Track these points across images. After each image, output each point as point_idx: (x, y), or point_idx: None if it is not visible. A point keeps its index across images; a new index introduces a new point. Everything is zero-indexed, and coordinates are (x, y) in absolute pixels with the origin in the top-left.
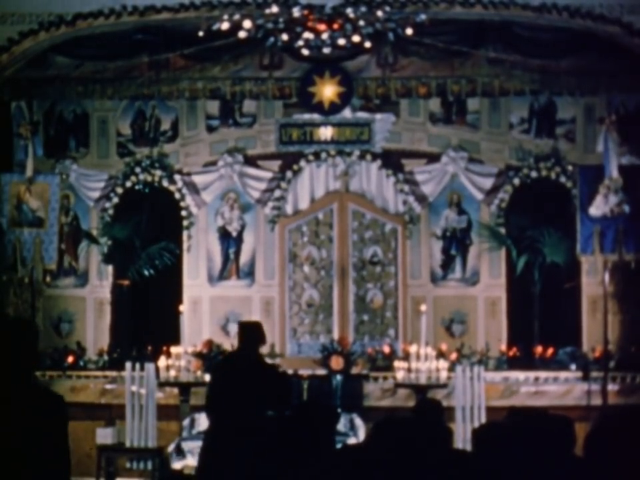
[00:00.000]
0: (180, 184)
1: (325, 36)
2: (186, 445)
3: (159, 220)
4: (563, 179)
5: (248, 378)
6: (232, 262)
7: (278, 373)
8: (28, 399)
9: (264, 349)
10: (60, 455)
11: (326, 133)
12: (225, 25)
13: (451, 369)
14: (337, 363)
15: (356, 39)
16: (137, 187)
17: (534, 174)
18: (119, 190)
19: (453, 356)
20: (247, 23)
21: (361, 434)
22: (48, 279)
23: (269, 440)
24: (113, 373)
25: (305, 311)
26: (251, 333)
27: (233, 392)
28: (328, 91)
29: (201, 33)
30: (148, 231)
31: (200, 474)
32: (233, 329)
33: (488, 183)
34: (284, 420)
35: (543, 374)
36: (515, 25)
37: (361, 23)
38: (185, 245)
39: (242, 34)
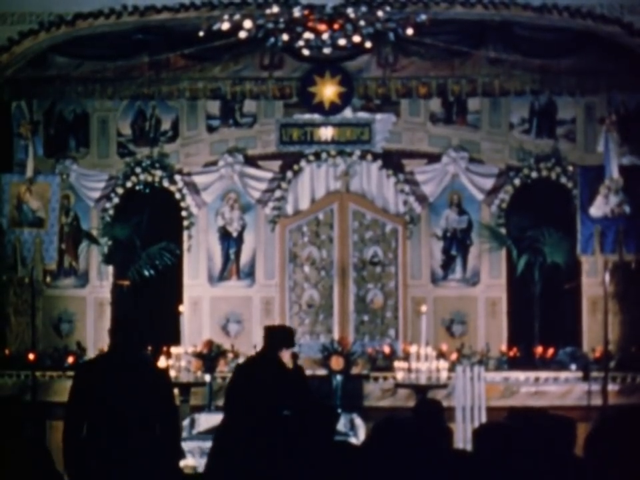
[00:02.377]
0: (180, 184)
1: (325, 36)
2: (186, 445)
3: (159, 220)
4: (563, 179)
5: (267, 380)
6: (232, 262)
7: (298, 375)
8: (142, 369)
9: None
10: (170, 409)
11: (326, 133)
12: (226, 25)
13: (451, 369)
14: (337, 363)
15: (356, 39)
16: (137, 187)
17: (534, 174)
18: (119, 190)
19: (453, 356)
20: (248, 23)
21: (361, 434)
22: (48, 279)
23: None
24: None
25: (305, 311)
26: (274, 336)
27: (250, 394)
28: (328, 91)
29: (201, 33)
30: (148, 231)
31: (209, 473)
32: (233, 329)
33: (488, 183)
34: (284, 420)
35: (543, 374)
36: (515, 24)
37: (362, 23)
38: (185, 245)
39: (242, 34)
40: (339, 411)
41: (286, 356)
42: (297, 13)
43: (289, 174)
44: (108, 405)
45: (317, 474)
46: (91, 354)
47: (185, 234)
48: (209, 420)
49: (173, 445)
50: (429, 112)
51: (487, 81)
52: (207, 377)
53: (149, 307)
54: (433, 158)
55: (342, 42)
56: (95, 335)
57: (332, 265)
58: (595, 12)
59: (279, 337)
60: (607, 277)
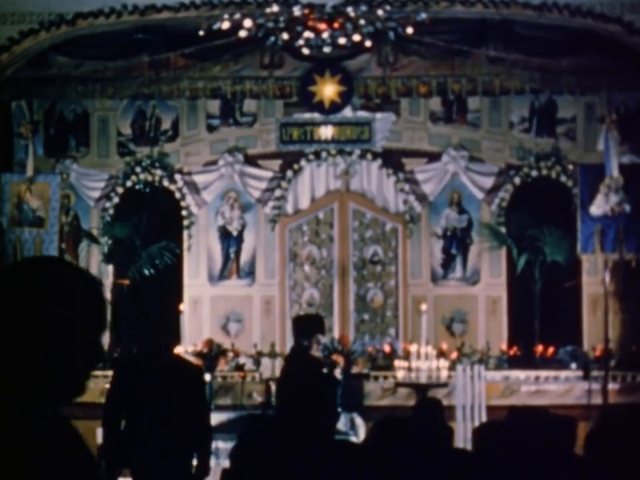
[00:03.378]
0: (180, 183)
1: (325, 35)
2: None
3: (160, 219)
4: (563, 178)
5: (294, 374)
6: (232, 261)
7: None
8: (179, 367)
9: (265, 348)
10: (204, 406)
11: (326, 132)
12: (226, 24)
13: (452, 368)
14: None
15: (356, 38)
16: (137, 187)
17: (534, 173)
18: (120, 189)
19: (454, 355)
20: (248, 22)
21: (361, 433)
22: None
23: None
24: None
25: (305, 310)
26: (295, 327)
27: (286, 390)
28: (328, 90)
29: (201, 32)
30: (148, 231)
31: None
32: (234, 328)
33: (488, 182)
34: (284, 419)
35: (543, 373)
36: (515, 23)
37: (362, 22)
38: (185, 245)
39: (242, 33)
40: (339, 410)
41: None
42: (296, 12)
43: (289, 173)
44: (146, 401)
45: (316, 473)
46: None
47: (185, 233)
48: None
49: (205, 442)
50: (429, 111)
51: (487, 79)
52: (207, 376)
53: (149, 306)
54: (433, 157)
55: (342, 41)
56: None
57: (332, 264)
58: (594, 11)
59: (298, 327)
60: (607, 276)
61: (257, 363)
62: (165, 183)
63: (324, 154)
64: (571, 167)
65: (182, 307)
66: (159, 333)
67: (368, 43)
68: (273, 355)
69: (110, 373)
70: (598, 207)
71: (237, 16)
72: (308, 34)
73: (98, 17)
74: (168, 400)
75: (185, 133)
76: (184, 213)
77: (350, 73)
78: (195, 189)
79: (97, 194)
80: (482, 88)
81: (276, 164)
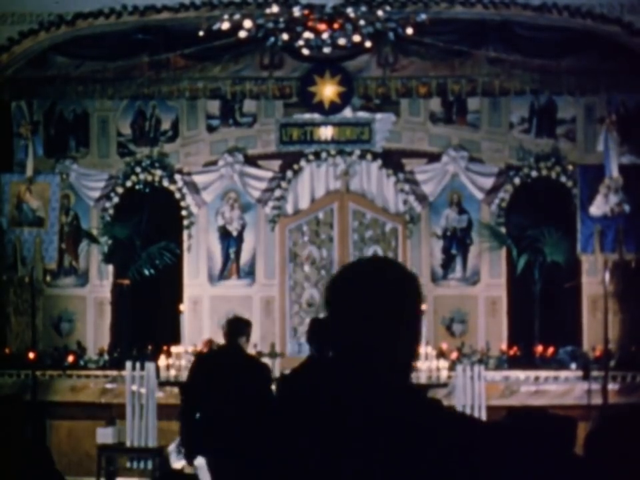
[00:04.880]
0: (180, 183)
1: (325, 36)
2: None
3: (159, 219)
4: (563, 179)
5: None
6: (232, 261)
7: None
8: (248, 362)
9: (265, 348)
10: (266, 394)
11: (326, 132)
12: (226, 25)
13: (452, 368)
14: None
15: (356, 38)
16: (137, 187)
17: (534, 173)
18: (119, 189)
19: (454, 355)
20: (248, 23)
21: None
22: (48, 278)
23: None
24: (114, 373)
25: (305, 310)
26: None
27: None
28: (328, 90)
29: (201, 33)
30: (148, 231)
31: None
32: None
33: (488, 182)
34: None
35: (543, 373)
36: (515, 24)
37: (362, 22)
38: (185, 245)
39: (242, 34)
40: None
41: None
42: (296, 12)
43: (289, 173)
44: (220, 394)
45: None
46: (91, 353)
47: (185, 233)
48: None
49: None
50: (429, 111)
51: (487, 80)
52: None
53: (149, 307)
54: (433, 157)
55: (342, 41)
56: (95, 334)
57: (332, 264)
58: (594, 11)
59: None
60: (607, 276)
61: None
62: (165, 183)
63: (324, 154)
64: (570, 167)
65: (182, 307)
66: (236, 335)
67: (368, 44)
68: (272, 355)
69: (109, 373)
70: (598, 208)
71: (237, 16)
72: (308, 34)
73: (98, 18)
74: (240, 393)
75: (185, 133)
76: (184, 213)
77: (350, 74)
78: (194, 189)
79: (96, 194)
80: (482, 89)
81: (276, 164)
